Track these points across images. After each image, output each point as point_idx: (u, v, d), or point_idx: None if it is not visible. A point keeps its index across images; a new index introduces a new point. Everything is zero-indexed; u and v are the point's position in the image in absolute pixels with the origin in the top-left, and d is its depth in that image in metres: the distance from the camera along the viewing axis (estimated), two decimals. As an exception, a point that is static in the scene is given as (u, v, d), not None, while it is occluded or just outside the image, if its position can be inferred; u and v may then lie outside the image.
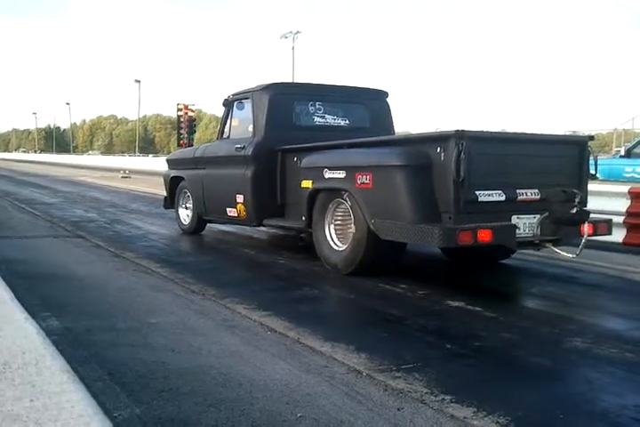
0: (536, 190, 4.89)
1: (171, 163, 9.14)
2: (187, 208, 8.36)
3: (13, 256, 6.07)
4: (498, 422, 2.45)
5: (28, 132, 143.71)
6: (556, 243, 5.00)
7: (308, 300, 4.80)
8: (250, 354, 3.27)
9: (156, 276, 5.40)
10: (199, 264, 6.23)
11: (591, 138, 5.61)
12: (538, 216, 4.85)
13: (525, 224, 4.83)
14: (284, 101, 6.81)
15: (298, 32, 41.13)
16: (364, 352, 3.30)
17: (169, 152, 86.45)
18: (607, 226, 5.31)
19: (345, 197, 5.41)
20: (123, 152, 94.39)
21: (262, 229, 8.39)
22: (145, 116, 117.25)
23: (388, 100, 7.72)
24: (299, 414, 2.49)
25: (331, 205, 5.68)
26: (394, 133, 7.65)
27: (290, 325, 3.84)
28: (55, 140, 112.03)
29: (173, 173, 8.72)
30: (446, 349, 3.51)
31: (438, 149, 4.64)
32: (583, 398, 2.78)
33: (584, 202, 4.99)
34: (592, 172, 5.36)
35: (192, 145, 18.84)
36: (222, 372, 2.98)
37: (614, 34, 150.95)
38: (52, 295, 4.50)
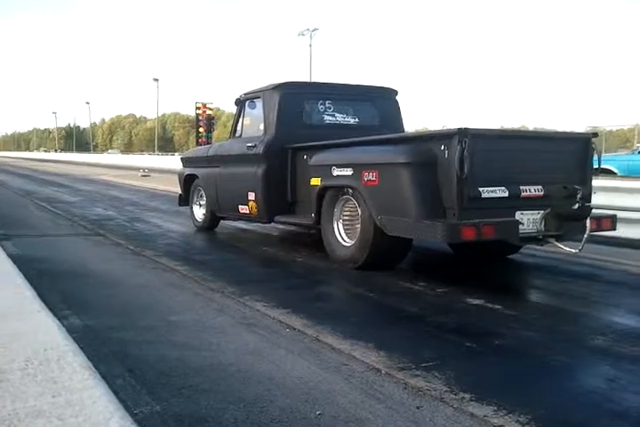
0: (539, 186, 4.95)
1: (185, 161, 9.26)
2: (200, 206, 8.51)
3: (35, 254, 6.14)
4: (518, 421, 2.43)
5: (49, 131, 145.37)
6: (560, 238, 5.05)
7: (326, 297, 4.80)
8: (269, 352, 3.28)
9: (176, 273, 5.43)
10: (218, 262, 6.25)
11: (595, 135, 5.62)
12: (541, 212, 4.90)
13: (529, 220, 4.89)
14: (293, 100, 6.90)
15: (315, 29, 41.04)
16: (383, 350, 3.29)
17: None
18: (611, 221, 5.37)
19: (352, 194, 5.55)
20: (142, 151, 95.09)
21: (280, 227, 8.45)
22: (164, 115, 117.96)
23: (397, 98, 7.76)
24: (318, 412, 2.49)
25: (339, 202, 5.81)
26: (403, 131, 7.69)
27: (309, 322, 3.84)
28: (75, 139, 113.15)
29: (187, 170, 8.85)
30: (466, 347, 3.49)
31: (442, 147, 4.73)
32: (604, 397, 2.74)
33: (586, 198, 5.07)
34: (595, 166, 5.44)
35: (210, 143, 19.05)
36: (241, 369, 2.99)
37: (636, 28, 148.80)
38: (72, 293, 4.55)
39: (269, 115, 6.85)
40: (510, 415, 2.48)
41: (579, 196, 4.93)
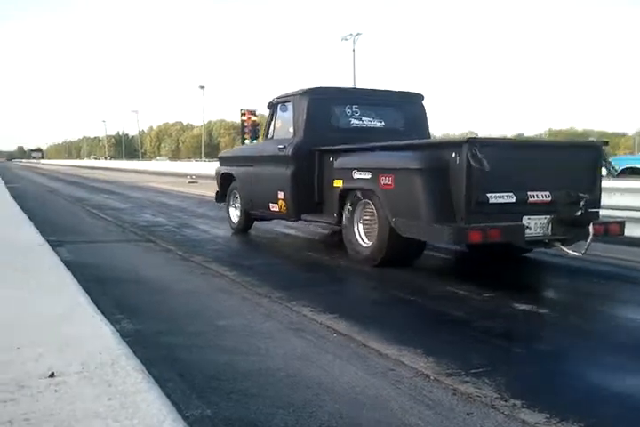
0: (547, 193, 5.16)
1: (222, 160, 9.70)
2: (236, 208, 8.83)
3: (87, 260, 6.30)
4: (571, 430, 2.38)
5: (98, 139, 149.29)
6: (565, 242, 5.26)
7: (372, 302, 4.79)
8: (317, 357, 3.29)
9: (224, 279, 5.49)
10: (265, 267, 6.30)
11: (605, 143, 5.79)
12: (548, 217, 5.12)
13: (536, 224, 5.11)
14: (321, 105, 7.20)
15: (358, 34, 40.95)
16: (431, 356, 3.26)
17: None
18: (619, 227, 5.50)
19: (370, 196, 5.87)
20: (189, 158, 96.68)
21: (321, 231, 8.53)
22: (210, 122, 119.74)
23: (423, 103, 7.95)
24: (367, 417, 2.49)
25: (359, 205, 6.12)
26: (429, 135, 8.02)
27: (355, 328, 3.84)
28: (124, 146, 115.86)
29: (224, 169, 9.21)
30: (515, 352, 3.44)
31: (453, 155, 4.98)
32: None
33: (591, 204, 5.26)
34: (604, 173, 5.70)
35: None
36: (290, 374, 3.01)
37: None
38: (124, 298, 4.65)
39: (298, 118, 7.16)
40: (563, 423, 2.43)
41: (582, 202, 5.10)
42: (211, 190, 17.67)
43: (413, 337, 3.69)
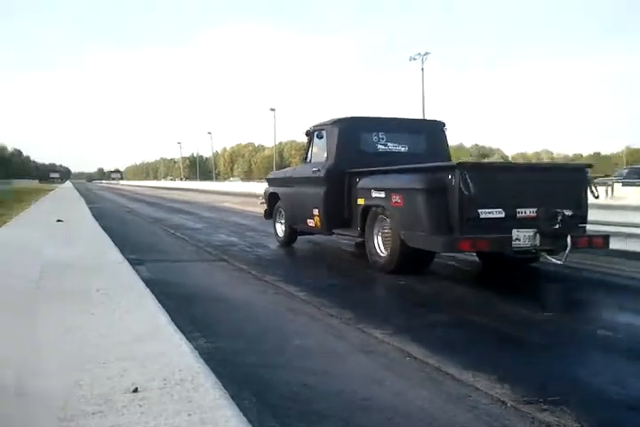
0: (534, 209, 5.89)
1: (269, 181, 11.01)
2: (281, 223, 9.82)
3: (165, 279, 6.50)
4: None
5: (174, 161, 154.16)
6: (551, 252, 6.02)
7: (442, 325, 4.70)
8: (390, 380, 3.28)
9: (296, 299, 5.55)
10: (334, 287, 6.32)
11: (589, 166, 6.59)
12: (534, 230, 5.80)
13: (525, 236, 5.80)
14: (351, 132, 8.18)
15: (427, 53, 40.92)
16: (507, 382, 3.19)
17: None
18: (603, 240, 6.20)
19: (384, 212, 6.78)
20: (261, 178, 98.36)
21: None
22: (280, 143, 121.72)
23: (444, 129, 8.84)
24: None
25: (379, 220, 6.97)
26: (449, 159, 8.71)
27: (428, 351, 3.79)
28: (198, 167, 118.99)
29: (271, 189, 10.38)
30: (593, 380, 3.32)
31: (450, 177, 5.83)
32: None
33: (578, 219, 6.06)
34: (593, 194, 6.36)
35: None
36: (364, 397, 3.00)
37: None
38: (199, 316, 4.76)
39: (331, 145, 8.15)
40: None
41: (559, 218, 5.77)
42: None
43: (488, 362, 3.61)
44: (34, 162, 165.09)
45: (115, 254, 7.15)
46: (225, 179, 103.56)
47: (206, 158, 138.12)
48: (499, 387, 3.13)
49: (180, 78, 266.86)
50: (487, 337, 4.39)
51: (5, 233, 9.89)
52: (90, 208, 18.41)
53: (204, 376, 2.52)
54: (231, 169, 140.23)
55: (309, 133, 8.93)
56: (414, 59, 40.82)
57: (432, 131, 8.78)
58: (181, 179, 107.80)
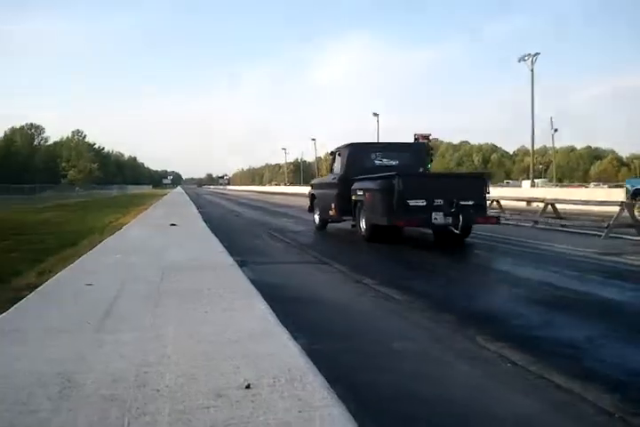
0: (442, 200, 9.56)
1: (312, 186, 15.56)
2: (317, 215, 14.19)
3: (270, 280, 6.72)
4: None
5: (279, 166, 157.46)
6: (457, 227, 9.51)
7: (545, 330, 4.57)
8: (491, 387, 3.27)
9: (394, 302, 5.58)
10: (432, 291, 6.31)
11: (487, 174, 12.54)
12: (443, 212, 9.42)
13: (439, 217, 9.45)
14: (356, 153, 12.41)
15: (537, 54, 39.45)
16: (617, 392, 3.10)
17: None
18: (496, 219, 10.63)
19: (363, 205, 11.00)
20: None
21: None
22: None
23: (424, 148, 14.06)
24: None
25: (361, 209, 11.14)
26: (425, 169, 12.73)
27: (531, 358, 3.73)
28: (302, 172, 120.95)
29: (311, 191, 15.07)
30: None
31: (394, 181, 9.70)
32: None
33: (478, 207, 9.90)
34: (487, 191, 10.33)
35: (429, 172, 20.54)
36: (464, 403, 3.02)
37: None
38: (302, 317, 4.89)
39: (343, 161, 12.55)
40: None
41: (454, 204, 9.51)
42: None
43: (596, 371, 3.51)
44: (147, 168, 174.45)
45: (224, 257, 7.50)
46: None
47: (309, 163, 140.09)
48: (607, 397, 3.04)
49: (285, 86, 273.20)
50: (599, 346, 4.25)
51: (127, 236, 10.60)
52: (199, 212, 19.25)
53: (312, 376, 2.64)
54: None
55: (333, 153, 13.61)
56: (524, 60, 39.46)
57: (415, 150, 13.31)
58: (285, 184, 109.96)
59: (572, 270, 7.37)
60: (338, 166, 12.78)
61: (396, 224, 9.58)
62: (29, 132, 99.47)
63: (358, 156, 12.19)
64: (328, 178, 13.60)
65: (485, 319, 4.89)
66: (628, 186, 19.33)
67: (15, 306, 4.50)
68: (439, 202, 9.50)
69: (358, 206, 11.07)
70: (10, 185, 35.19)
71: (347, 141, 12.64)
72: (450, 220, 9.38)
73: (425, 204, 9.47)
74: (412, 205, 9.40)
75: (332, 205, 12.35)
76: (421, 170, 12.19)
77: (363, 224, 10.87)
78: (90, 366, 3.02)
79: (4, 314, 4.20)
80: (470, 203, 9.61)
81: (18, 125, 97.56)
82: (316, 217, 14.09)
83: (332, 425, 2.05)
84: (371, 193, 10.44)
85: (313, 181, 16.29)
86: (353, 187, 11.32)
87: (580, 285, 6.52)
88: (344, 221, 12.18)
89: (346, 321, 4.93)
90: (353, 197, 11.28)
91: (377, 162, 12.07)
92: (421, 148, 13.63)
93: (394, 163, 12.04)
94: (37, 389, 2.67)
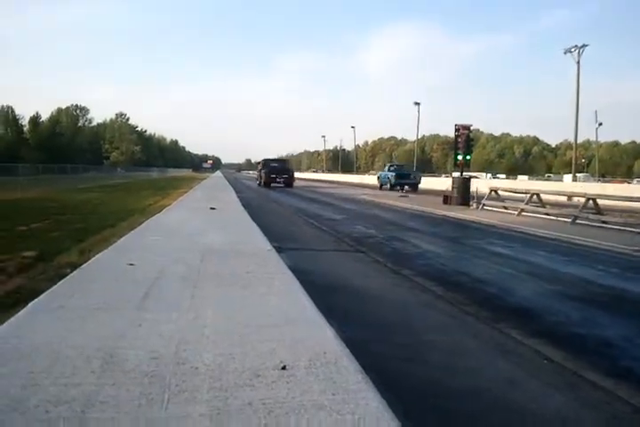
0: (277, 174, 35.64)
1: (378, 176, 38.76)
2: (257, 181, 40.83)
3: (305, 266, 6.78)
4: None
5: (317, 153, 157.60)
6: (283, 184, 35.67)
7: (585, 328, 4.55)
8: (524, 382, 3.28)
9: (431, 294, 5.59)
10: (472, 284, 6.26)
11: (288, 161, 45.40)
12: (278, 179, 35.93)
13: (279, 180, 35.26)
14: (265, 161, 39.10)
15: (584, 46, 38.56)
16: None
17: (445, 172, 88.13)
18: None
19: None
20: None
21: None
22: (423, 137, 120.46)
23: (289, 162, 45.77)
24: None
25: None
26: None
27: (567, 355, 3.73)
28: (340, 160, 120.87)
29: (258, 169, 42.00)
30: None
31: (260, 166, 39.57)
32: None
33: (282, 176, 35.48)
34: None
35: (469, 166, 19.62)
36: (496, 396, 3.04)
37: None
38: (336, 304, 4.93)
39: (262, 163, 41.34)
40: None
41: (281, 175, 36.35)
42: (420, 204, 17.92)
43: (633, 366, 3.49)
44: (188, 152, 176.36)
45: (262, 242, 7.60)
46: (365, 172, 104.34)
47: (348, 152, 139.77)
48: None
49: (327, 79, 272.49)
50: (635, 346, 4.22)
51: (167, 218, 10.80)
52: (238, 197, 19.45)
53: (347, 360, 2.69)
54: (372, 162, 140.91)
55: (259, 162, 42.07)
56: (570, 51, 38.64)
57: (287, 162, 42.42)
58: (323, 171, 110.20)
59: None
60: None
61: (264, 185, 34.21)
62: (74, 113, 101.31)
63: (267, 161, 37.89)
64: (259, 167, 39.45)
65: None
66: None
67: (59, 284, 4.66)
68: (275, 175, 34.26)
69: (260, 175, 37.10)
70: (54, 165, 36.09)
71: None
72: (282, 181, 33.84)
73: (275, 176, 33.96)
74: (271, 176, 34.33)
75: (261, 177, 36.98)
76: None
77: (262, 181, 35.32)
78: (130, 342, 3.13)
79: (48, 291, 4.35)
80: (286, 176, 34.60)
81: (64, 106, 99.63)
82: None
83: (366, 409, 2.11)
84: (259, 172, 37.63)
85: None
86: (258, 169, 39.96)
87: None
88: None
89: (380, 311, 4.95)
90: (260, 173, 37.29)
91: (272, 164, 36.68)
92: (288, 161, 42.27)
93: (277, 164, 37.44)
94: (81, 363, 2.79)
